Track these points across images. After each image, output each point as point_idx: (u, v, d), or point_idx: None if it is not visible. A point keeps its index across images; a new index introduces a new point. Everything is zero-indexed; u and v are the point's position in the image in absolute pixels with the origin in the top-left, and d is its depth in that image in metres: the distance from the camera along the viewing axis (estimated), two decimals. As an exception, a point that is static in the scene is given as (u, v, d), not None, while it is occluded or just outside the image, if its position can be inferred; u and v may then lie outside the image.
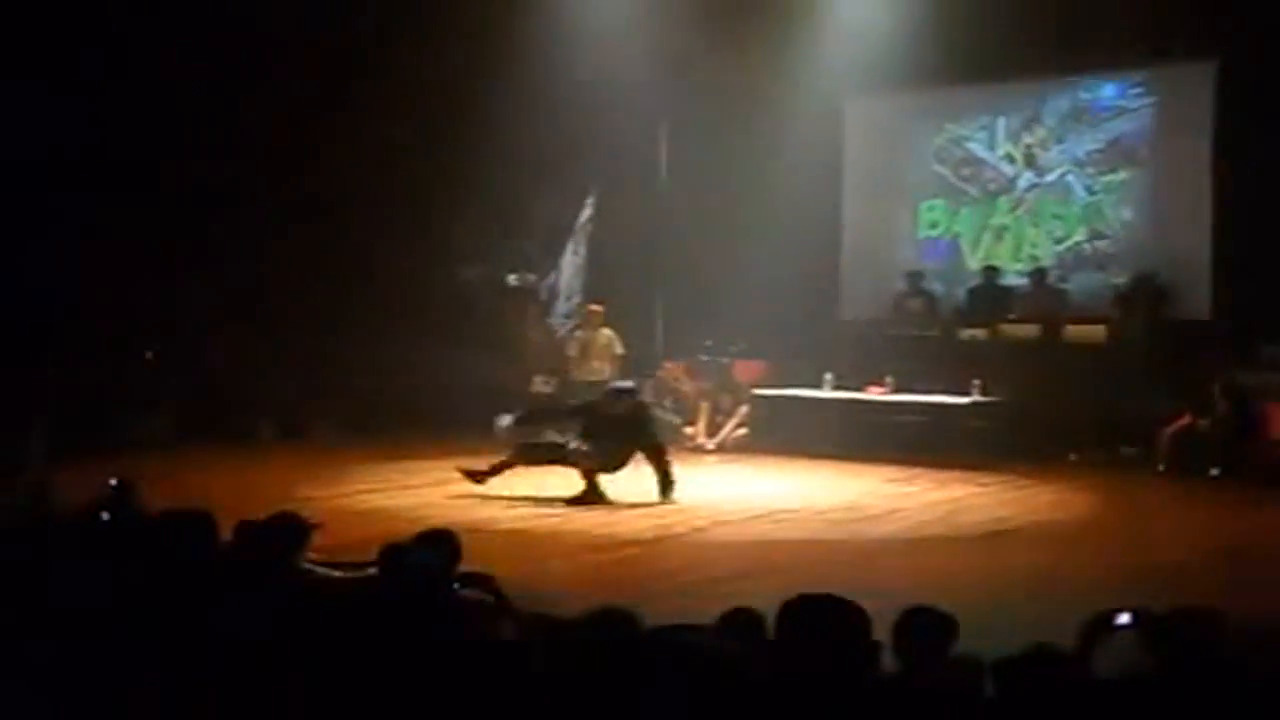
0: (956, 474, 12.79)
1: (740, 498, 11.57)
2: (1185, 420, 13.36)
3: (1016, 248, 16.60)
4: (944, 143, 17.06)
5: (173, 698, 4.09)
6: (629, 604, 4.06)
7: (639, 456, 11.40)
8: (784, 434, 14.56)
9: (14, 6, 13.48)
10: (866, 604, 3.80)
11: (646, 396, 15.79)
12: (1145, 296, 14.93)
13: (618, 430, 11.35)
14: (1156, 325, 14.62)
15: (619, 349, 15.26)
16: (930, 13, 14.95)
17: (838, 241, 17.51)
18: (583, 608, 4.02)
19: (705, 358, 16.20)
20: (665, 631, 3.75)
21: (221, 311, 15.40)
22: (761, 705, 3.39)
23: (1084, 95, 16.23)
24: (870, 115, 17.59)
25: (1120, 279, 15.36)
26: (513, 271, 17.42)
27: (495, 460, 11.56)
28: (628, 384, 12.22)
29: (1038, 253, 16.35)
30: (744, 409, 15.28)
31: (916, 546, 9.63)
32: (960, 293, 16.38)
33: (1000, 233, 16.74)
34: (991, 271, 16.09)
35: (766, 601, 3.93)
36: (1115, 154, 15.98)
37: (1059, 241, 16.31)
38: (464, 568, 5.37)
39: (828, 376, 14.95)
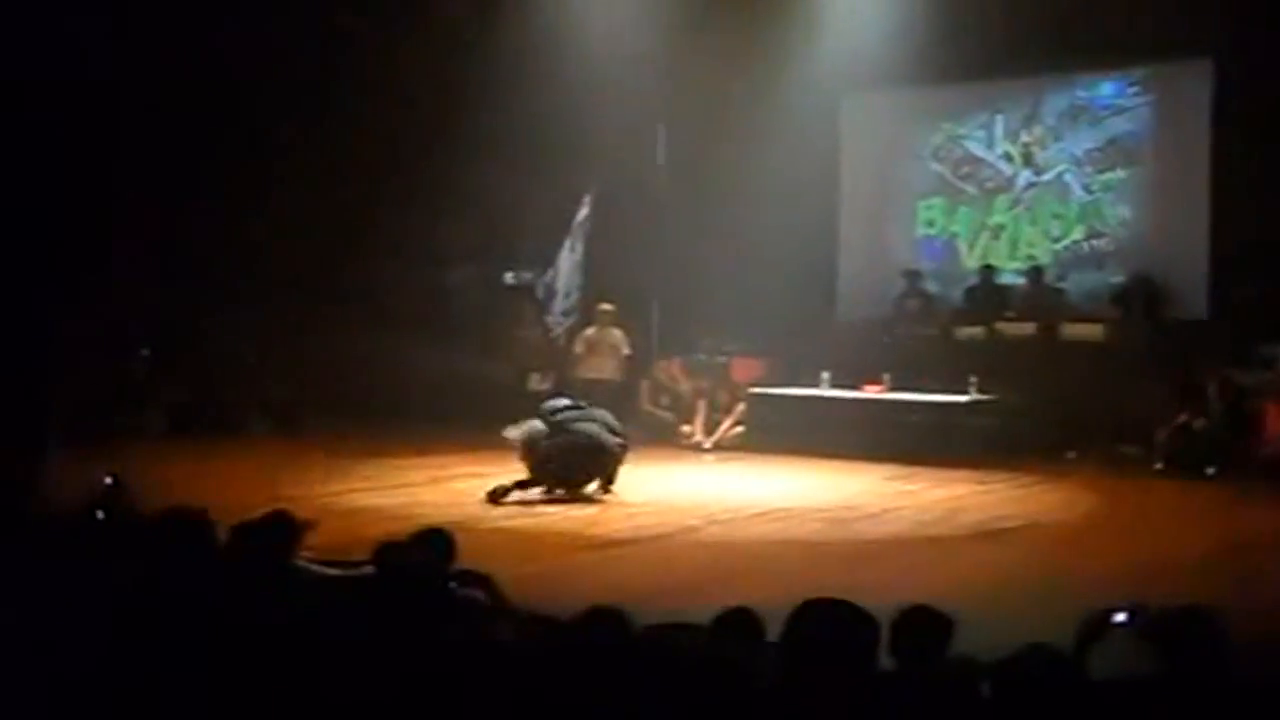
0: (953, 473, 12.77)
1: (736, 497, 11.55)
2: (1182, 419, 13.35)
3: (1014, 246, 16.60)
4: (942, 141, 17.05)
5: (167, 697, 4.08)
6: (622, 603, 4.04)
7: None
8: (781, 433, 14.53)
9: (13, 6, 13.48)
10: (862, 603, 3.78)
11: (642, 395, 15.82)
12: (1142, 296, 14.94)
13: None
14: (1153, 325, 14.62)
15: (626, 349, 15.29)
16: (928, 11, 14.94)
17: (835, 240, 17.50)
18: (576, 607, 4.00)
19: (702, 356, 16.18)
20: (657, 631, 3.73)
21: (215, 310, 15.38)
22: (757, 707, 3.38)
23: (1082, 94, 16.22)
24: (867, 114, 17.58)
25: (1118, 278, 15.36)
26: (510, 270, 17.40)
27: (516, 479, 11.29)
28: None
29: (1035, 251, 16.34)
30: (740, 408, 15.26)
31: (913, 545, 9.62)
32: (957, 292, 16.37)
33: (998, 231, 16.73)
34: (989, 270, 16.08)
35: (763, 601, 3.93)
36: (1113, 153, 15.97)
37: (1057, 240, 16.30)
38: (458, 566, 5.36)
39: (825, 375, 14.93)
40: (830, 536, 9.86)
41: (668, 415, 15.55)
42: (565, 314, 17.14)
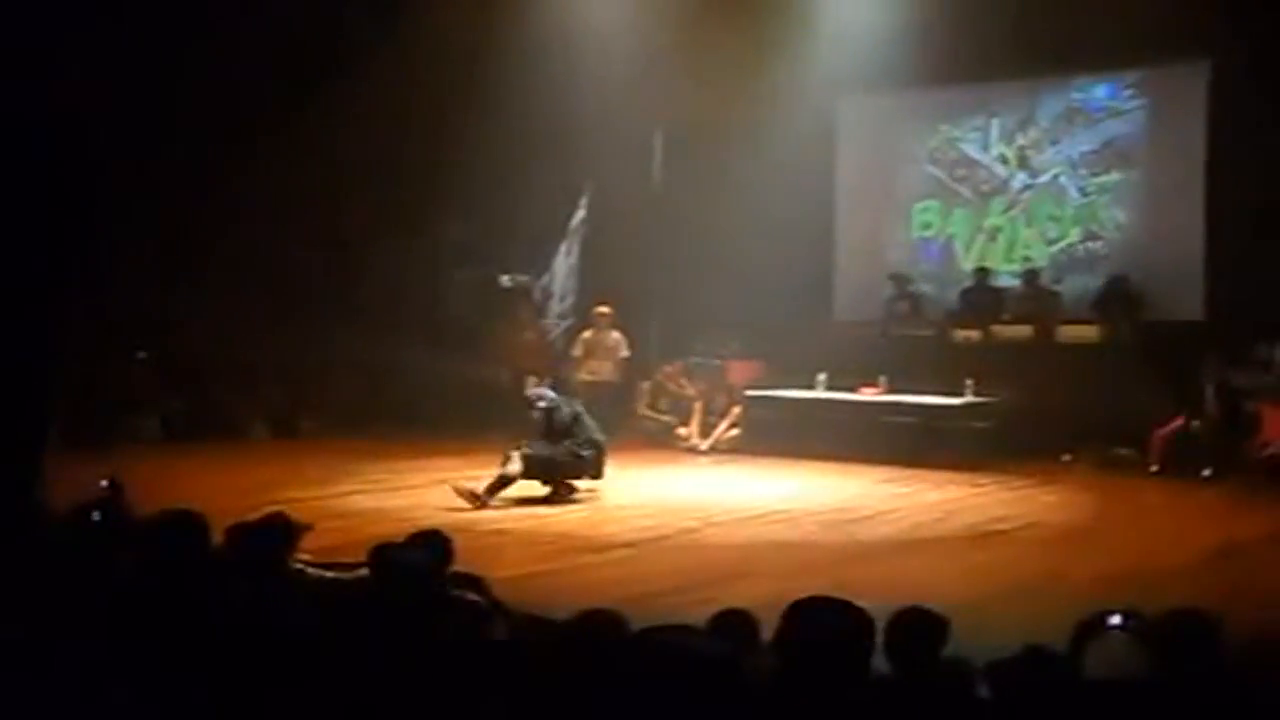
0: (949, 475, 12.79)
1: (733, 499, 11.56)
2: (1178, 421, 13.37)
3: (1010, 249, 16.61)
4: (938, 144, 17.07)
5: (163, 698, 4.08)
6: (619, 605, 4.05)
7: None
8: (777, 435, 14.55)
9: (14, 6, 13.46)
10: (859, 605, 3.79)
11: (641, 398, 15.84)
12: (1120, 299, 14.96)
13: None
14: (1134, 327, 14.62)
15: (625, 351, 15.33)
16: (923, 14, 14.95)
17: (831, 242, 17.51)
18: (574, 609, 4.01)
19: (698, 359, 16.19)
20: (654, 633, 3.73)
21: (212, 313, 15.37)
22: (752, 707, 3.38)
23: (1077, 96, 16.24)
24: (864, 116, 17.60)
25: (1133, 283, 15.32)
26: (506, 272, 17.40)
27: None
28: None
29: (1031, 254, 16.36)
30: (737, 410, 15.27)
31: (909, 548, 9.63)
32: (954, 294, 16.37)
33: (994, 234, 16.74)
34: (984, 273, 16.08)
35: (759, 603, 3.93)
36: (1109, 155, 15.99)
37: (1052, 243, 16.32)
38: (454, 568, 5.36)
39: (821, 377, 14.94)
40: (826, 538, 9.87)
41: (666, 419, 15.55)
42: (561, 316, 17.16)
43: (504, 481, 11.01)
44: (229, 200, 15.12)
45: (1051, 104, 16.39)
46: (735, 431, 15.16)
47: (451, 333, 16.47)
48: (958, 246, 16.97)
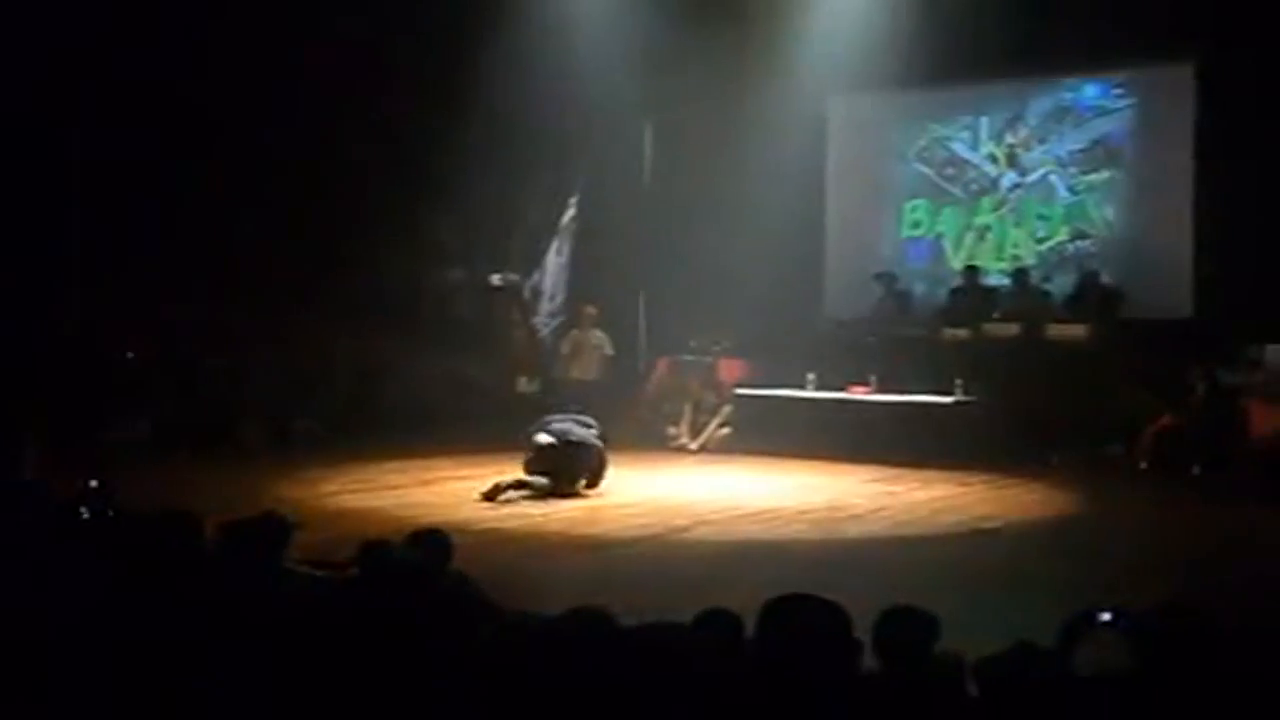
0: (939, 473, 12.80)
1: (723, 497, 11.57)
2: (1167, 419, 13.40)
3: (999, 248, 16.65)
4: (927, 142, 17.10)
5: (153, 696, 4.08)
6: (609, 603, 4.06)
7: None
8: (767, 434, 14.56)
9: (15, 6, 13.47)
10: (848, 603, 3.80)
11: (648, 398, 15.86)
12: (1094, 297, 14.98)
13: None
14: (1111, 323, 14.65)
15: (609, 350, 15.32)
16: (913, 13, 14.98)
17: (821, 241, 17.53)
18: (563, 608, 4.01)
19: (689, 357, 16.20)
20: (641, 630, 3.74)
21: (203, 313, 15.34)
22: (738, 704, 3.39)
23: (1066, 95, 16.28)
24: (853, 115, 17.63)
25: (1107, 278, 15.36)
26: (496, 271, 17.41)
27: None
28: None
29: (1020, 252, 16.40)
30: (727, 409, 15.29)
31: (899, 546, 9.64)
32: (942, 292, 16.39)
33: (983, 232, 16.78)
34: (973, 271, 16.09)
35: (748, 601, 3.93)
36: (1098, 154, 16.03)
37: (1041, 241, 16.36)
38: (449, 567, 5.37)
39: (811, 376, 14.96)
40: (816, 537, 9.87)
41: (673, 430, 15.46)
42: (552, 315, 17.18)
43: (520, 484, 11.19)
44: (219, 200, 15.10)
45: (1041, 103, 16.42)
46: (725, 430, 15.18)
47: (442, 332, 16.47)
48: (947, 245, 17.00)
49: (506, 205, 17.17)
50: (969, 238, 16.84)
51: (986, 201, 16.76)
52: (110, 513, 6.15)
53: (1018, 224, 16.56)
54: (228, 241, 15.22)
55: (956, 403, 14.10)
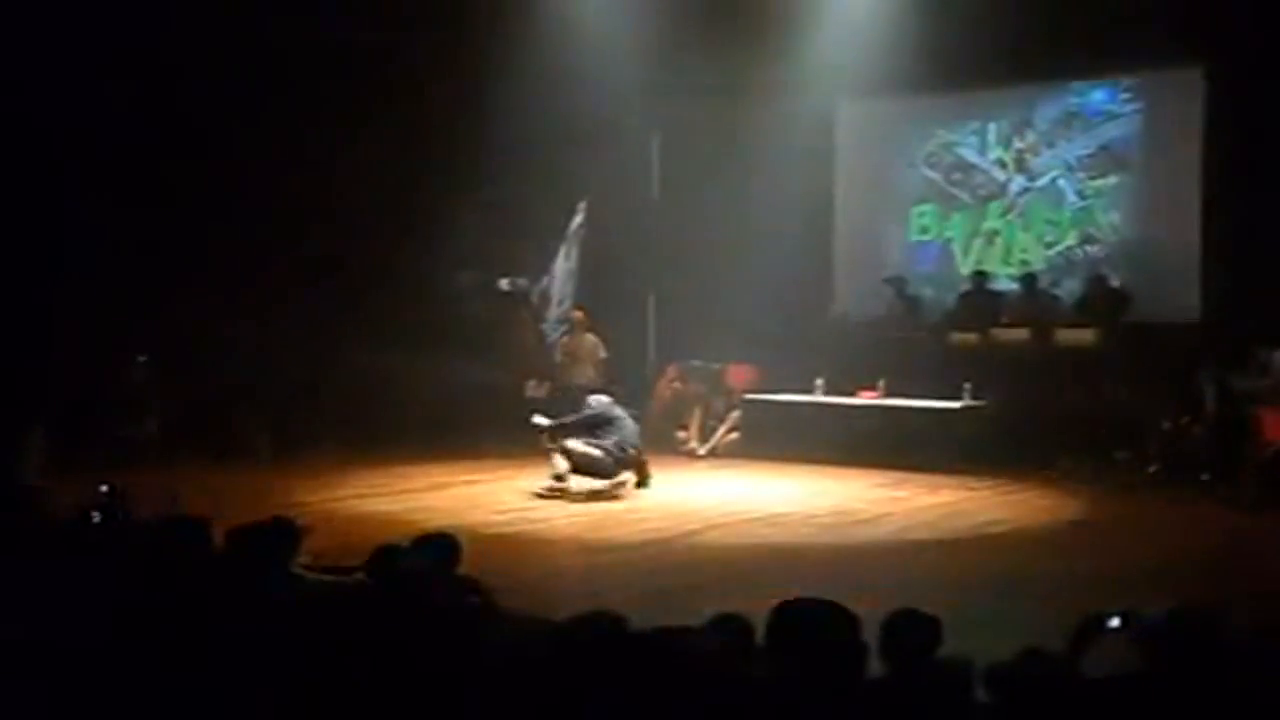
0: (947, 478, 12.80)
1: (732, 502, 11.59)
2: (1177, 424, 13.37)
3: (1007, 252, 16.62)
4: (935, 148, 17.08)
5: (163, 700, 4.09)
6: (619, 608, 4.06)
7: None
8: (776, 439, 14.56)
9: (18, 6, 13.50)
10: (856, 608, 3.81)
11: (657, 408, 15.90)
12: (1103, 301, 14.97)
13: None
14: (1119, 327, 14.63)
15: (602, 353, 15.30)
16: (921, 19, 14.94)
17: (830, 246, 17.51)
18: (574, 611, 4.02)
19: (697, 362, 16.19)
20: (653, 634, 3.75)
21: (213, 317, 15.36)
22: (749, 708, 3.40)
23: (1074, 100, 16.26)
24: (862, 120, 17.60)
25: (1115, 282, 15.35)
26: (505, 276, 17.41)
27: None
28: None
29: (1028, 257, 16.37)
30: (736, 413, 15.29)
31: (907, 550, 9.65)
32: (951, 297, 16.37)
33: (991, 237, 16.76)
34: (981, 276, 16.07)
35: (757, 605, 3.94)
36: (1106, 159, 16.00)
37: (1050, 246, 16.33)
38: (458, 571, 5.38)
39: (819, 381, 14.96)
40: (824, 541, 9.89)
41: (682, 435, 15.47)
42: (560, 320, 17.17)
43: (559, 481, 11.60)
44: (230, 205, 15.12)
45: (1048, 108, 16.40)
46: (734, 435, 15.18)
47: (450, 336, 16.46)
48: (955, 250, 16.98)
49: (515, 210, 17.16)
50: (977, 242, 16.82)
51: (995, 206, 16.74)
52: (121, 517, 6.17)
53: (1026, 229, 16.54)
54: (238, 244, 15.23)
55: (964, 407, 14.09)
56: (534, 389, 16.00)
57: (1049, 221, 16.36)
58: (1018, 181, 16.57)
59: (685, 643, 3.69)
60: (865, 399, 14.68)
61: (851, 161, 17.54)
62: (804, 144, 16.61)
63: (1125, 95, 15.90)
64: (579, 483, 11.73)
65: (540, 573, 8.52)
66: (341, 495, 11.54)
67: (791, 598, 3.78)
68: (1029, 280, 15.74)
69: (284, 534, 5.36)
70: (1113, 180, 15.95)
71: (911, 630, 4.15)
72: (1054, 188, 16.33)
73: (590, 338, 15.39)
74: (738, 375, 16.00)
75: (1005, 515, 11.06)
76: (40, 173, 13.86)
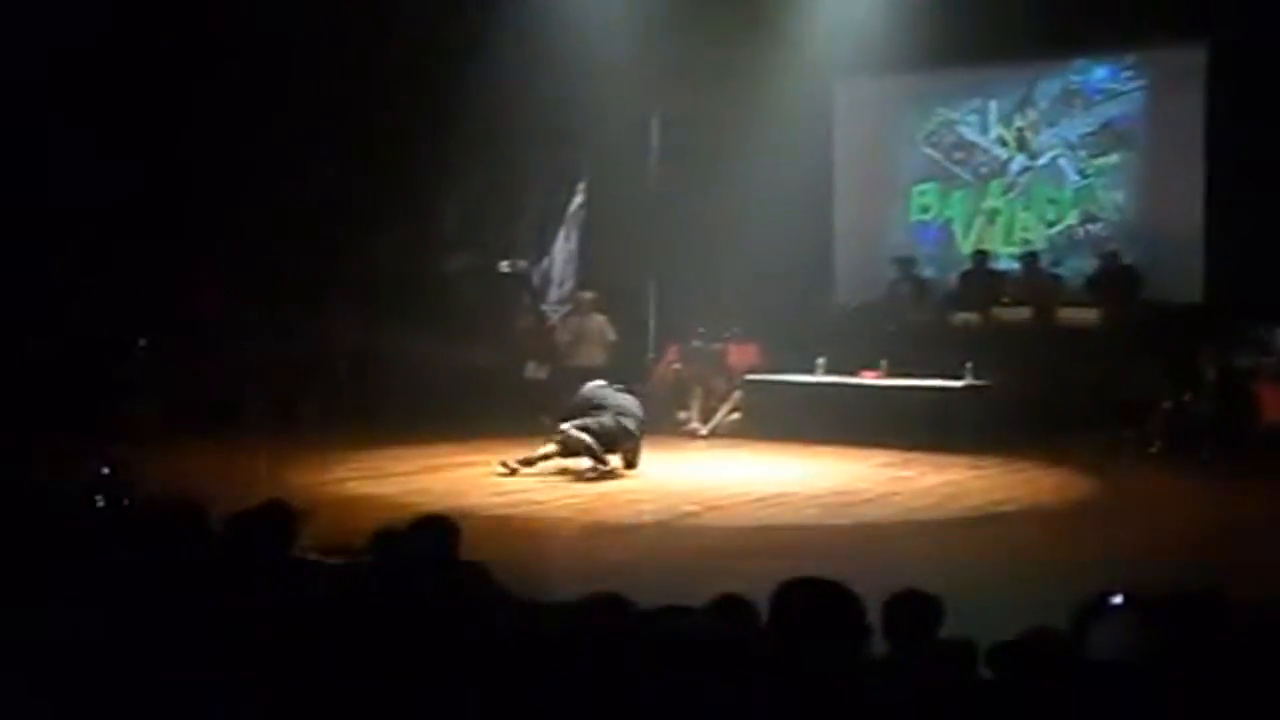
0: (950, 458, 12.79)
1: (734, 483, 11.59)
2: (1178, 402, 13.36)
3: (1009, 231, 16.61)
4: (935, 126, 17.05)
5: (164, 686, 4.08)
6: (622, 589, 4.05)
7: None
8: (777, 419, 14.55)
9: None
10: (860, 588, 3.79)
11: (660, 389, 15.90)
12: (1115, 278, 14.95)
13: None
14: (1130, 306, 14.61)
15: (612, 335, 15.28)
16: (921, -4, 14.94)
17: (830, 226, 17.49)
18: (576, 594, 4.01)
19: (698, 343, 16.18)
20: (655, 614, 3.74)
21: (212, 300, 15.36)
22: (753, 689, 3.38)
23: (1075, 78, 16.22)
24: (861, 99, 17.57)
25: (1128, 260, 15.31)
26: (504, 258, 17.39)
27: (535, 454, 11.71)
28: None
29: (1030, 236, 16.36)
30: (737, 394, 15.28)
31: (910, 530, 9.65)
32: (952, 277, 16.36)
33: (992, 216, 16.74)
34: (983, 255, 16.06)
35: (760, 586, 3.92)
36: (1107, 137, 15.98)
37: (1051, 225, 16.31)
38: (457, 555, 5.36)
39: (820, 361, 14.94)
40: (826, 522, 9.88)
41: (684, 416, 15.45)
42: (561, 302, 17.17)
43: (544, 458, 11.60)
44: (230, 187, 15.11)
45: (1049, 86, 16.36)
46: (735, 416, 15.17)
47: (450, 319, 16.46)
48: (956, 229, 16.97)
49: (514, 193, 17.15)
50: (978, 222, 16.80)
51: (996, 185, 16.72)
52: (125, 501, 6.16)
53: (1027, 208, 16.52)
54: (236, 228, 15.22)
55: (967, 387, 14.08)
56: (534, 371, 16.00)
57: (1050, 200, 16.34)
58: (1019, 160, 16.54)
59: (688, 624, 3.67)
60: (867, 379, 14.66)
61: (851, 141, 17.51)
62: (804, 123, 16.59)
63: (1127, 73, 15.87)
64: (569, 464, 11.76)
65: (542, 555, 8.52)
66: (339, 477, 11.53)
67: (795, 578, 3.76)
68: (1030, 259, 15.72)
69: (283, 518, 5.34)
70: (1114, 159, 15.93)
71: (914, 610, 4.15)
72: (1055, 166, 16.30)
73: (599, 318, 15.37)
74: (739, 356, 15.99)
75: (1008, 494, 11.06)
76: (47, 164, 13.86)
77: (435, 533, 5.35)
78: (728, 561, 8.17)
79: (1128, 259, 15.21)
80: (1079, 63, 16.15)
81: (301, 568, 5.33)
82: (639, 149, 17.77)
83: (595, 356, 15.16)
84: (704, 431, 15.06)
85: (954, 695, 3.62)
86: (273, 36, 14.72)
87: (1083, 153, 16.14)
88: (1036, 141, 16.43)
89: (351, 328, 15.92)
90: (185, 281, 15.04)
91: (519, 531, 9.32)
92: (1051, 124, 16.31)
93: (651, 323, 17.33)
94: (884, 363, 14.65)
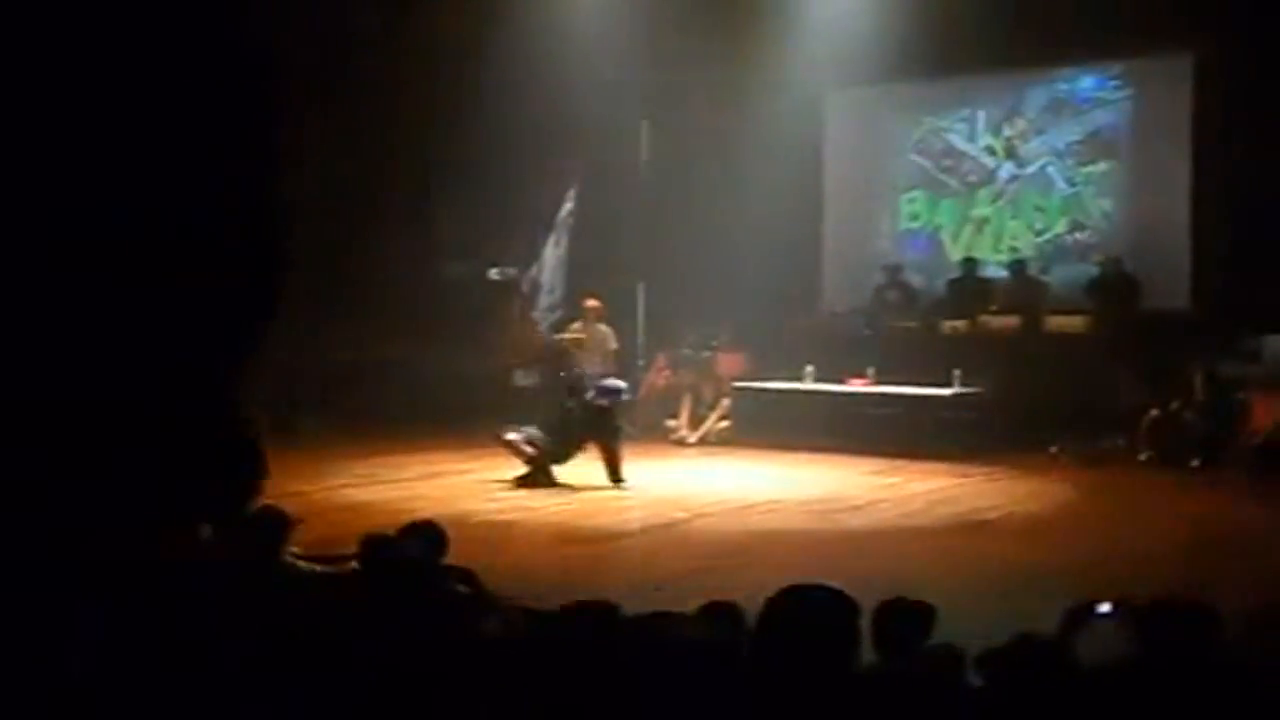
0: (938, 465, 12.81)
1: (722, 490, 11.59)
2: (1167, 411, 13.39)
3: (997, 239, 16.64)
4: (924, 135, 17.09)
5: (155, 691, 4.09)
6: (611, 597, 4.07)
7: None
8: (766, 426, 14.56)
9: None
10: (841, 590, 3.80)
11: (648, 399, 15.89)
12: (1116, 285, 14.98)
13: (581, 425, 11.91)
14: (1129, 314, 14.65)
15: (613, 344, 15.29)
16: (908, 5, 14.96)
17: (819, 234, 17.52)
18: (565, 601, 4.02)
19: (687, 350, 16.19)
20: (644, 620, 3.75)
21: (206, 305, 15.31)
22: (739, 695, 3.40)
23: (1063, 87, 16.27)
24: (850, 108, 17.62)
25: (1128, 268, 15.34)
26: (494, 265, 17.39)
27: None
28: (617, 384, 12.32)
29: (1018, 244, 16.39)
30: (726, 401, 15.28)
31: (898, 537, 9.66)
32: (941, 284, 16.39)
33: (981, 224, 16.77)
34: (971, 263, 16.10)
35: (748, 593, 3.94)
36: (1095, 145, 16.02)
37: (1039, 233, 16.35)
38: (446, 561, 5.37)
39: (809, 369, 14.96)
40: (815, 529, 9.89)
41: (672, 424, 15.45)
42: (551, 309, 17.16)
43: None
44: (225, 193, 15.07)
45: (1037, 95, 16.41)
46: (724, 423, 15.17)
47: (441, 326, 16.45)
48: (945, 237, 17.00)
49: (504, 200, 17.14)
50: (967, 230, 16.84)
51: (984, 193, 16.76)
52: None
53: (1015, 216, 16.56)
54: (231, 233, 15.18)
55: (955, 394, 14.10)
56: (523, 378, 16.00)
57: (1038, 208, 16.38)
58: (1007, 168, 16.59)
59: (676, 630, 3.69)
60: (855, 386, 14.68)
61: (841, 149, 17.55)
62: (793, 132, 16.62)
63: (1114, 82, 15.92)
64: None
65: (532, 561, 8.52)
66: (333, 484, 11.53)
67: (783, 585, 3.78)
68: (1018, 267, 15.76)
69: (274, 524, 5.36)
70: (1102, 167, 15.98)
71: (903, 618, 4.16)
72: (1043, 175, 16.35)
73: (602, 328, 15.36)
74: (728, 363, 16.00)
75: (997, 502, 11.07)
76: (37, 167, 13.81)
77: (423, 539, 5.37)
78: (716, 569, 8.18)
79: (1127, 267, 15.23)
80: (1066, 72, 16.20)
81: (291, 573, 5.35)
82: (629, 157, 17.77)
83: (595, 365, 15.16)
84: (693, 439, 15.06)
85: (942, 702, 3.64)
86: (266, 44, 14.68)
87: (1070, 161, 16.18)
88: (1025, 150, 16.48)
89: (349, 335, 15.90)
90: (182, 290, 14.98)
91: (510, 538, 9.32)
92: (1039, 132, 16.36)
93: (640, 330, 17.33)
94: (872, 370, 14.67)
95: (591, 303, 15.63)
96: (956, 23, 14.76)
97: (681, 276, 16.88)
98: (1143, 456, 13.29)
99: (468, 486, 11.38)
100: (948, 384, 14.11)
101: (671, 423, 15.33)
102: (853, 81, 16.81)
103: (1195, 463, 12.88)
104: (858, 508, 10.81)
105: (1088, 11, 14.64)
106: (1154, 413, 13.40)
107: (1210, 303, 14.55)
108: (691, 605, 4.30)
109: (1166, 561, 8.55)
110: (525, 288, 17.45)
